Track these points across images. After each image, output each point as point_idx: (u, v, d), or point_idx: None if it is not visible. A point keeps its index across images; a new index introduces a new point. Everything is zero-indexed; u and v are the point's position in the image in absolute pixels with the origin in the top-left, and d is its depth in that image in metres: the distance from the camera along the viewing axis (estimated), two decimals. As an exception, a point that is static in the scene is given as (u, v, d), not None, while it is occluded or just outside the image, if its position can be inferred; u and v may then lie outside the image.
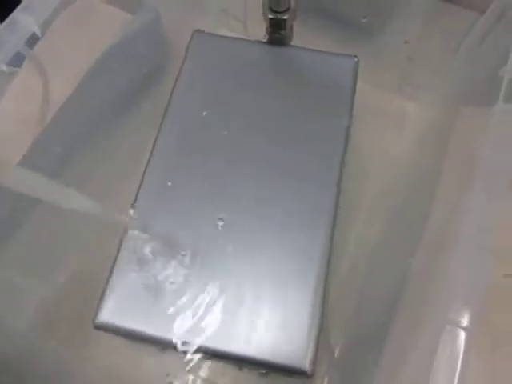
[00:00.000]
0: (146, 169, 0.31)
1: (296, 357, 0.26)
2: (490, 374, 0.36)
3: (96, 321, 0.27)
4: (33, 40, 0.32)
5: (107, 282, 0.28)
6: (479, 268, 0.20)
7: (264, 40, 0.35)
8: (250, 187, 0.30)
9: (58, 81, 0.36)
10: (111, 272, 0.28)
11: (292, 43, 0.36)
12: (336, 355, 0.31)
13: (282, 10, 0.33)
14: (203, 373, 0.32)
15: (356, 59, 0.34)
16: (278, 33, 0.35)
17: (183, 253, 0.28)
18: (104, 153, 0.36)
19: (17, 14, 0.30)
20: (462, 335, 0.17)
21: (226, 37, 0.36)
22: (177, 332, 0.27)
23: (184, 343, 0.26)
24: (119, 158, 0.37)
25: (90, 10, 0.41)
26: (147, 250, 0.29)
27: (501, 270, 0.39)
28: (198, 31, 0.36)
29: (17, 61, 0.33)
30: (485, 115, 0.26)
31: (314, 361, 0.26)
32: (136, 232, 0.29)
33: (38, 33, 0.31)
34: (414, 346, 0.20)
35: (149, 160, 0.31)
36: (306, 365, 0.26)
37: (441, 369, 0.18)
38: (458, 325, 0.17)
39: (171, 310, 0.27)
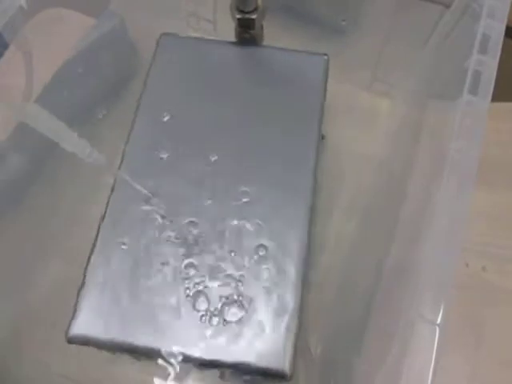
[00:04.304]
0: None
1: (275, 359, 0.26)
2: (471, 369, 0.36)
3: (69, 334, 0.26)
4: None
5: (80, 291, 0.27)
6: (450, 262, 0.20)
7: (234, 40, 0.35)
8: (222, 188, 0.30)
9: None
10: (84, 280, 0.27)
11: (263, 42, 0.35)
12: (315, 355, 0.31)
13: (250, 9, 0.33)
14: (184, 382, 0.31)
15: (326, 57, 0.34)
16: (247, 33, 0.34)
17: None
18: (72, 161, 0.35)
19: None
20: (435, 331, 0.17)
21: (195, 38, 0.36)
22: (156, 341, 0.26)
23: (163, 352, 0.26)
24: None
25: (58, 18, 0.41)
26: (122, 254, 0.28)
27: (479, 264, 0.39)
28: (166, 34, 0.35)
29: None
30: (453, 108, 0.26)
31: (293, 362, 0.26)
32: (109, 233, 0.28)
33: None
34: (389, 344, 0.20)
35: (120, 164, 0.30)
36: (285, 367, 0.25)
37: (414, 367, 0.18)
38: (429, 321, 0.17)
39: (148, 319, 0.26)
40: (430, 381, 0.17)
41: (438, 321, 0.17)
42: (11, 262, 0.34)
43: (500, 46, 0.24)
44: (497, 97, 0.26)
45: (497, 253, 0.40)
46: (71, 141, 0.25)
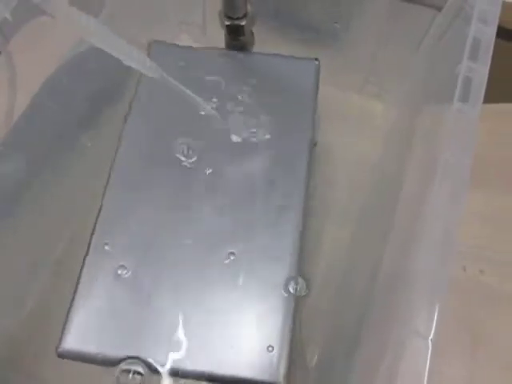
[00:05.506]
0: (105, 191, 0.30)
1: (269, 371, 0.25)
2: (469, 374, 0.36)
3: (59, 349, 0.26)
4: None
5: (70, 305, 0.27)
6: (444, 272, 0.20)
7: (224, 47, 0.35)
8: (209, 199, 0.29)
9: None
10: (74, 293, 0.27)
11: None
12: (310, 367, 0.31)
13: (239, 16, 0.33)
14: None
15: (317, 62, 0.34)
16: (237, 39, 0.34)
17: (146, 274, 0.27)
18: (62, 170, 0.35)
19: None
20: (428, 346, 0.17)
21: (185, 46, 0.36)
22: (147, 354, 0.26)
23: (154, 366, 0.25)
24: (79, 172, 0.36)
25: (48, 27, 0.40)
26: (113, 268, 0.28)
27: (476, 267, 0.39)
28: (156, 41, 0.35)
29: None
30: (445, 113, 0.26)
31: (288, 374, 0.25)
32: (100, 248, 0.28)
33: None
34: (382, 355, 0.20)
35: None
36: (279, 378, 0.25)
37: (408, 377, 0.17)
38: (422, 336, 0.17)
39: (139, 332, 0.26)
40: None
41: (431, 336, 0.17)
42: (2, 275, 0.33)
43: (491, 52, 0.24)
44: (491, 98, 0.26)
45: (494, 256, 0.40)
46: (131, 55, 0.26)
